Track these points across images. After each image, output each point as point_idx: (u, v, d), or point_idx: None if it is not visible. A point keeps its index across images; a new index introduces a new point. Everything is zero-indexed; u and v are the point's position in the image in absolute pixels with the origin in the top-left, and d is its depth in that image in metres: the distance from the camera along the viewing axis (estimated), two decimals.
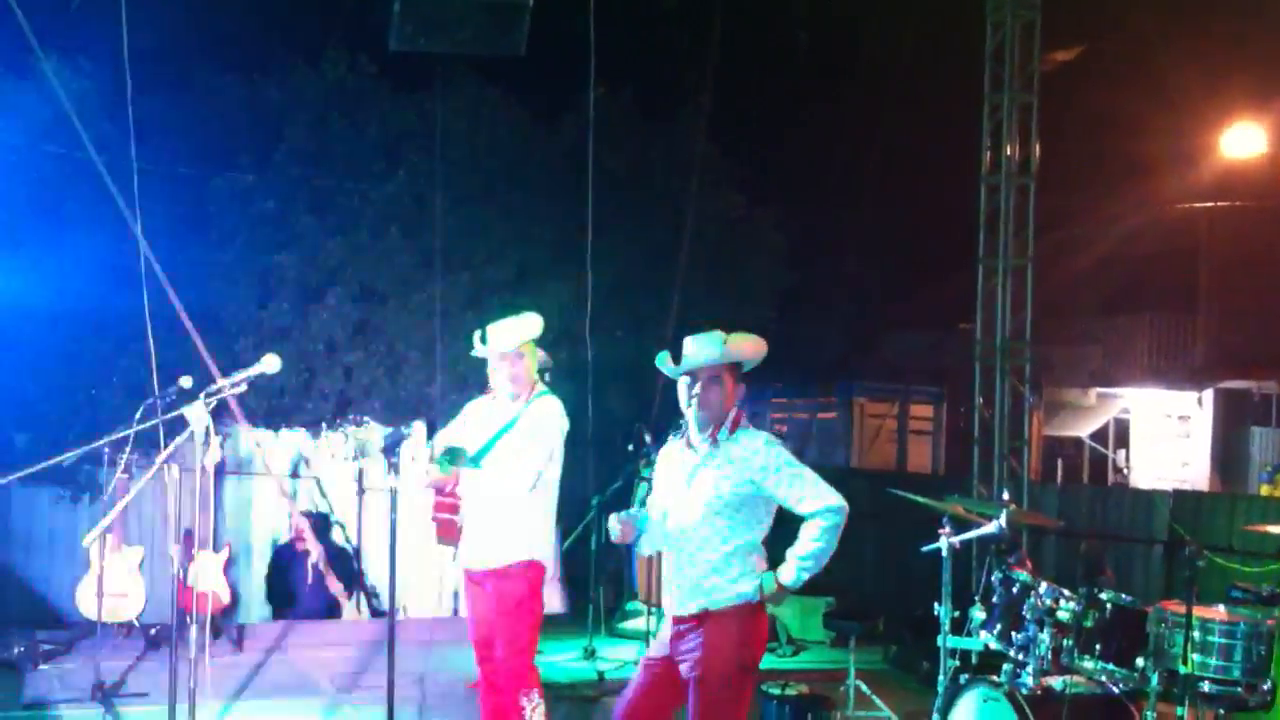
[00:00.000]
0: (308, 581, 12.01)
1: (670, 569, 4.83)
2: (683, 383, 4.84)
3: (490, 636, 5.59)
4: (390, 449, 5.05)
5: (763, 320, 14.42)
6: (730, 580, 4.69)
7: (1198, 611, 5.19)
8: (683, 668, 4.70)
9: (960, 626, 6.82)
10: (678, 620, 4.75)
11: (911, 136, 16.29)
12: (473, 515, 5.58)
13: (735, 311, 12.89)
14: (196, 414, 4.87)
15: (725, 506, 4.70)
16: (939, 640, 6.73)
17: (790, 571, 4.65)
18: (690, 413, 4.81)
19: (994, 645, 6.02)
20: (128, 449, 7.72)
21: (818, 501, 4.66)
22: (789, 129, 16.51)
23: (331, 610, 11.93)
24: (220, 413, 9.61)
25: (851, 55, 15.93)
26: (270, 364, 5.00)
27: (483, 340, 5.68)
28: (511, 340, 5.63)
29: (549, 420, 5.60)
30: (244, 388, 5.01)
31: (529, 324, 5.68)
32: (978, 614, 6.11)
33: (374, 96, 13.13)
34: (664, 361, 4.87)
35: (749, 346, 4.88)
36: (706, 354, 4.76)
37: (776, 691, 7.62)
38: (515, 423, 5.57)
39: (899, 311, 19.85)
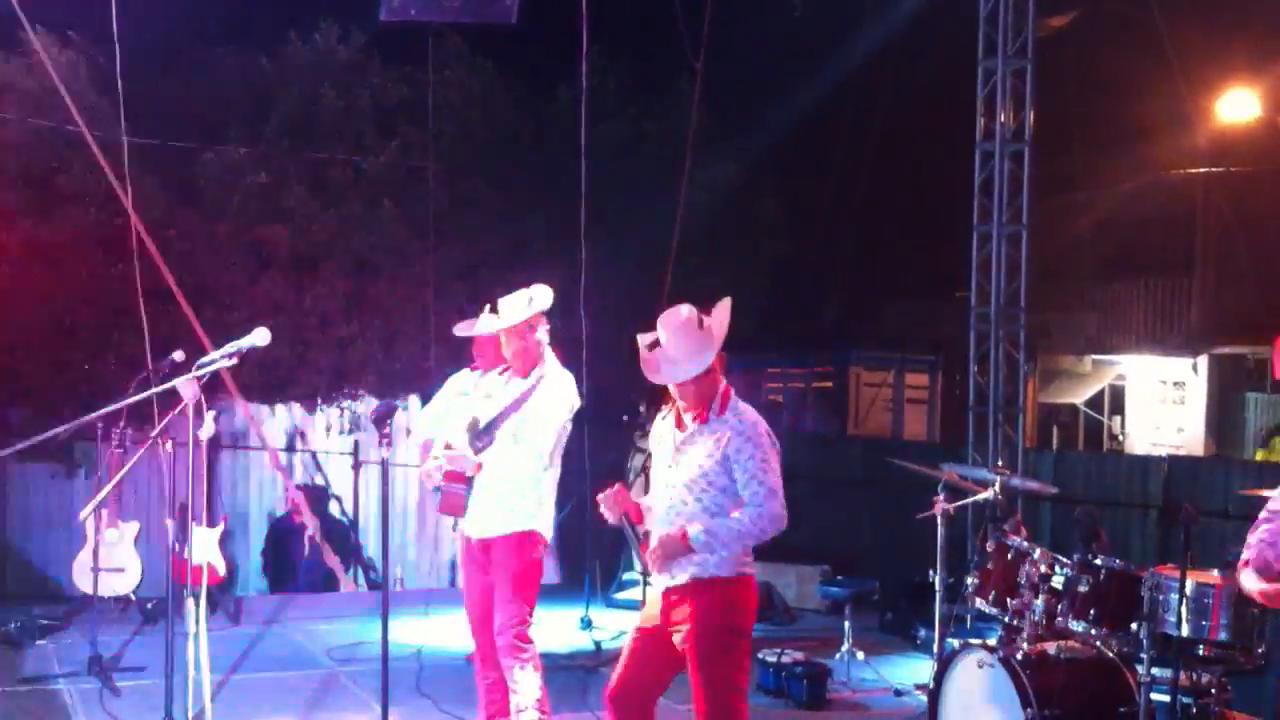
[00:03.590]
0: (304, 555, 12.05)
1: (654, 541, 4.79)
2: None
3: (487, 609, 5.56)
4: (381, 420, 5.00)
5: (759, 291, 14.43)
6: (719, 551, 4.65)
7: (1192, 575, 5.19)
8: (676, 638, 4.68)
9: (955, 593, 6.85)
10: (670, 591, 4.72)
11: (910, 102, 16.23)
12: (479, 487, 5.53)
13: (731, 282, 12.87)
14: (188, 388, 4.85)
15: (712, 484, 4.65)
16: (934, 606, 6.77)
17: (698, 533, 4.57)
18: (679, 400, 4.77)
19: (989, 611, 6.04)
20: (122, 423, 7.74)
21: (759, 502, 4.59)
22: (785, 98, 16.44)
23: (328, 583, 11.96)
24: (215, 387, 9.61)
25: (847, 22, 15.82)
26: (260, 337, 4.96)
27: (495, 312, 5.60)
28: (523, 313, 5.52)
29: (562, 397, 5.53)
30: (235, 361, 4.98)
31: (540, 296, 5.56)
32: (972, 580, 6.12)
33: (365, 69, 13.08)
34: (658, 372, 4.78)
35: (722, 330, 4.73)
36: (694, 368, 4.64)
37: (773, 659, 7.67)
38: (528, 398, 5.50)
39: (895, 280, 19.82)
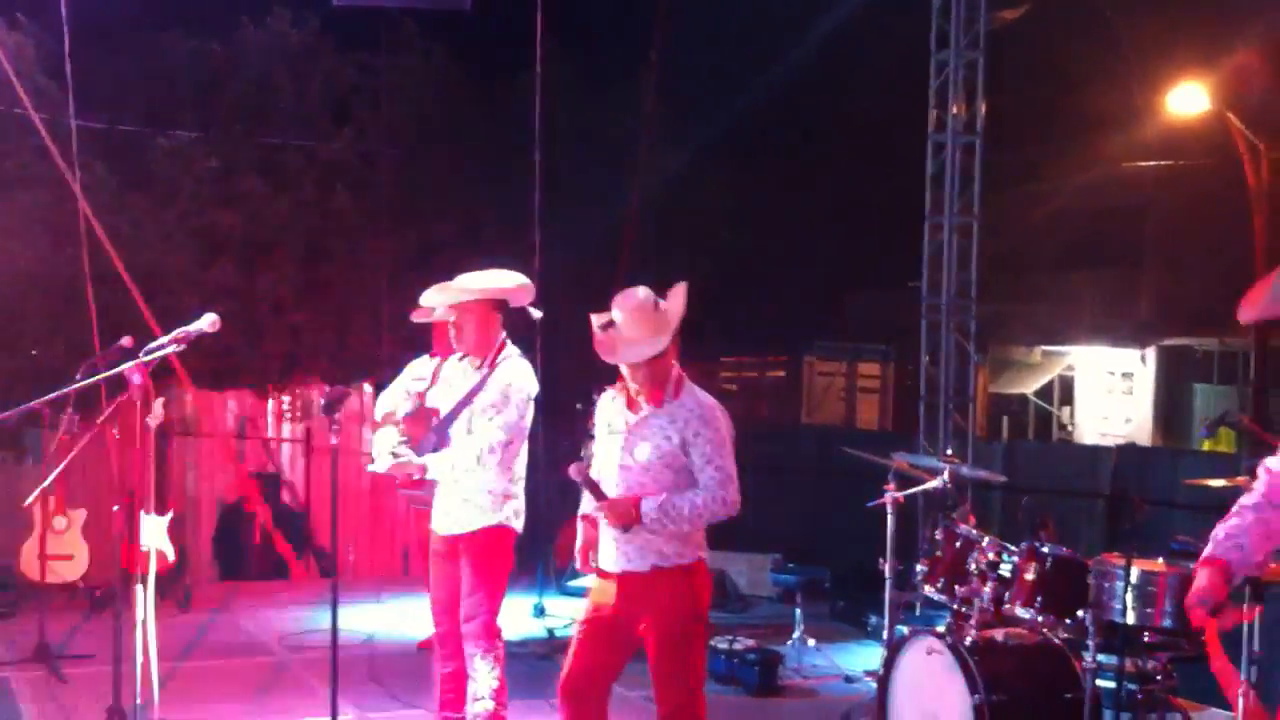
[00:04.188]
0: (255, 542, 11.97)
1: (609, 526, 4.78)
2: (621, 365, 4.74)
3: (451, 601, 5.51)
4: (331, 406, 4.95)
5: (713, 280, 14.45)
6: (679, 538, 4.67)
7: (1137, 564, 5.26)
8: (638, 625, 4.69)
9: (905, 580, 6.91)
10: (628, 577, 4.71)
11: (866, 92, 16.30)
12: (444, 482, 5.46)
13: (686, 270, 12.87)
14: (136, 374, 4.80)
15: (666, 466, 4.65)
16: (884, 594, 6.82)
17: (651, 505, 4.58)
18: (632, 384, 4.76)
19: (937, 598, 6.09)
20: (69, 410, 7.66)
21: (714, 486, 4.61)
22: (741, 87, 16.47)
23: (280, 571, 11.90)
24: (165, 373, 9.53)
25: (804, 11, 15.87)
26: (208, 322, 4.91)
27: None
28: (466, 291, 5.42)
29: (516, 386, 5.40)
30: (183, 347, 4.93)
31: (493, 278, 5.47)
32: (921, 567, 6.17)
33: (318, 54, 12.99)
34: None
35: (678, 313, 4.71)
36: (650, 349, 4.63)
37: (725, 646, 7.70)
38: (483, 388, 5.40)
39: (850, 270, 19.92)
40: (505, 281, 5.52)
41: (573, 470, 4.71)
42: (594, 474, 4.84)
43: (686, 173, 14.55)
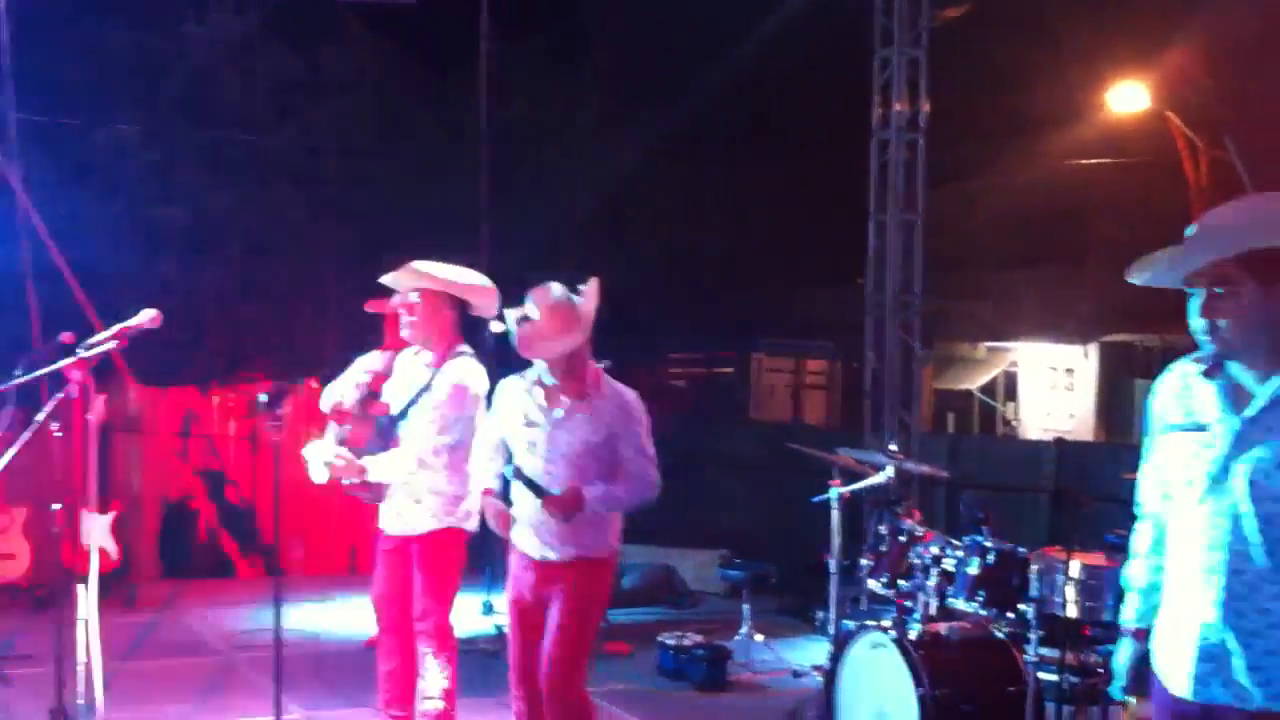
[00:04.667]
0: (201, 540, 11.86)
1: (534, 514, 4.82)
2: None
3: (395, 599, 5.48)
4: (272, 403, 4.90)
5: (661, 276, 14.50)
6: (597, 529, 4.82)
7: (1079, 558, 5.33)
8: (551, 610, 4.83)
9: (851, 575, 6.96)
10: (546, 565, 4.84)
11: (812, 90, 16.35)
12: (392, 481, 5.41)
13: (635, 266, 12.92)
14: (76, 369, 4.75)
15: (593, 458, 4.79)
16: (830, 589, 6.87)
17: (595, 494, 4.74)
18: (551, 377, 4.85)
19: (882, 593, 6.15)
20: (8, 407, 7.56)
21: (642, 472, 4.83)
22: (689, 83, 16.49)
23: (226, 569, 11.79)
24: (107, 370, 9.42)
25: (749, 7, 15.91)
26: (148, 318, 4.86)
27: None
28: (429, 277, 5.35)
29: (466, 386, 5.34)
30: (124, 343, 4.88)
31: (459, 272, 5.41)
32: (866, 562, 6.23)
33: (262, 48, 12.89)
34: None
35: (591, 309, 4.80)
36: (566, 345, 4.74)
37: (673, 642, 7.74)
38: (430, 387, 5.37)
39: (797, 267, 20.00)
40: (470, 280, 5.47)
41: (508, 471, 4.82)
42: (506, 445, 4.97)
43: (635, 170, 14.57)
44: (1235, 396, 3.12)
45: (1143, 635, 3.46)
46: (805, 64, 16.29)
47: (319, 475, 5.34)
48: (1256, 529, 3.01)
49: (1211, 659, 3.08)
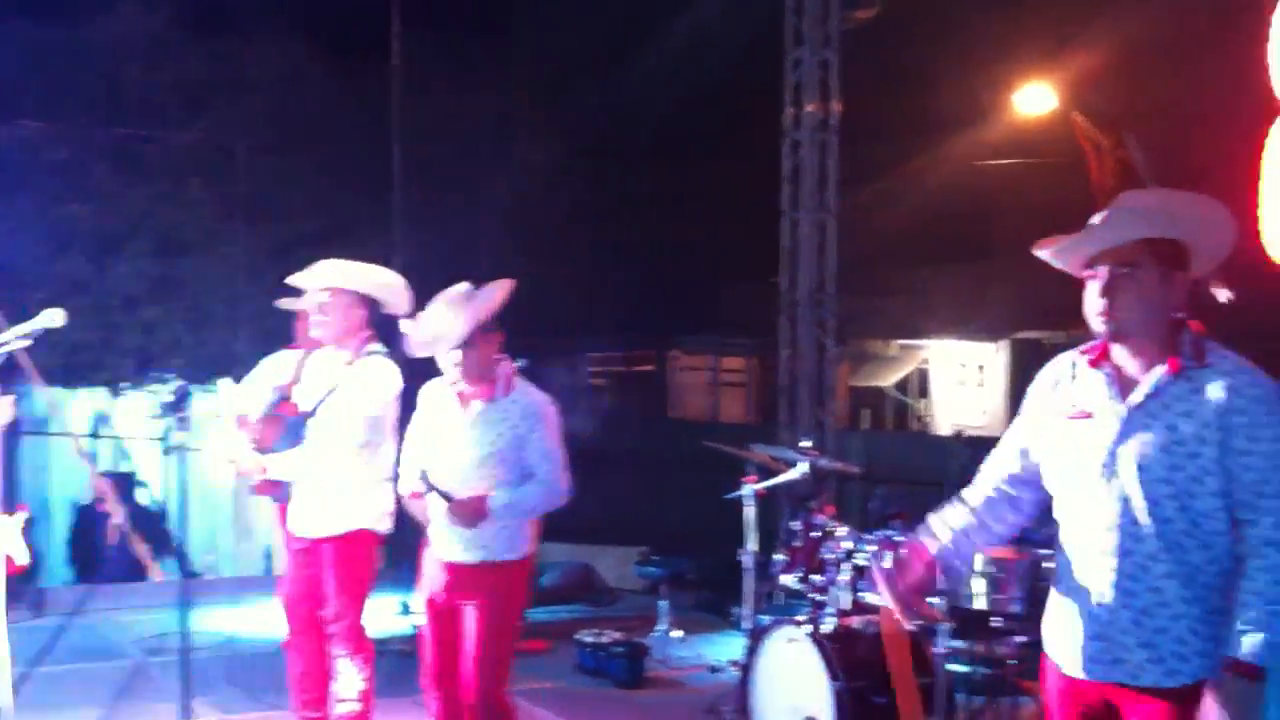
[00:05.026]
0: (111, 543, 11.69)
1: (445, 517, 4.83)
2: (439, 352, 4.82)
3: (305, 601, 5.44)
4: (176, 405, 4.85)
5: (579, 275, 14.51)
6: (510, 532, 4.82)
7: (987, 551, 5.44)
8: (462, 613, 4.84)
9: (766, 571, 7.04)
10: (456, 567, 4.85)
11: (729, 88, 16.42)
12: (300, 481, 5.38)
13: (553, 265, 12.91)
14: None
15: (500, 461, 4.78)
16: (745, 585, 6.94)
17: (500, 501, 4.73)
18: (462, 380, 4.83)
19: (797, 588, 6.23)
20: None
21: (551, 478, 4.80)
22: (608, 81, 16.51)
23: (137, 572, 11.64)
24: (13, 370, 9.25)
25: (665, 6, 15.95)
26: (52, 318, 4.79)
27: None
28: (318, 280, 5.31)
29: (376, 385, 5.31)
30: (28, 342, 4.81)
31: (368, 271, 5.36)
32: (781, 558, 6.31)
33: (173, 43, 12.70)
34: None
35: (488, 305, 4.78)
36: (450, 338, 4.72)
37: (591, 639, 7.78)
38: (341, 386, 5.32)
39: (715, 265, 20.10)
40: (380, 279, 5.43)
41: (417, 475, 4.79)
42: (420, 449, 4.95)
43: (552, 168, 14.57)
44: (1121, 385, 3.23)
45: (922, 554, 3.49)
46: (722, 63, 16.37)
47: (222, 473, 5.31)
48: (1145, 511, 3.13)
49: (1104, 638, 3.19)
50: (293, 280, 5.44)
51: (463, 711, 4.85)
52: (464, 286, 4.81)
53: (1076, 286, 3.41)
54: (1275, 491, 3.05)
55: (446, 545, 4.89)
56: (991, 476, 3.56)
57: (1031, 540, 5.56)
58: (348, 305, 5.35)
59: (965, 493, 3.61)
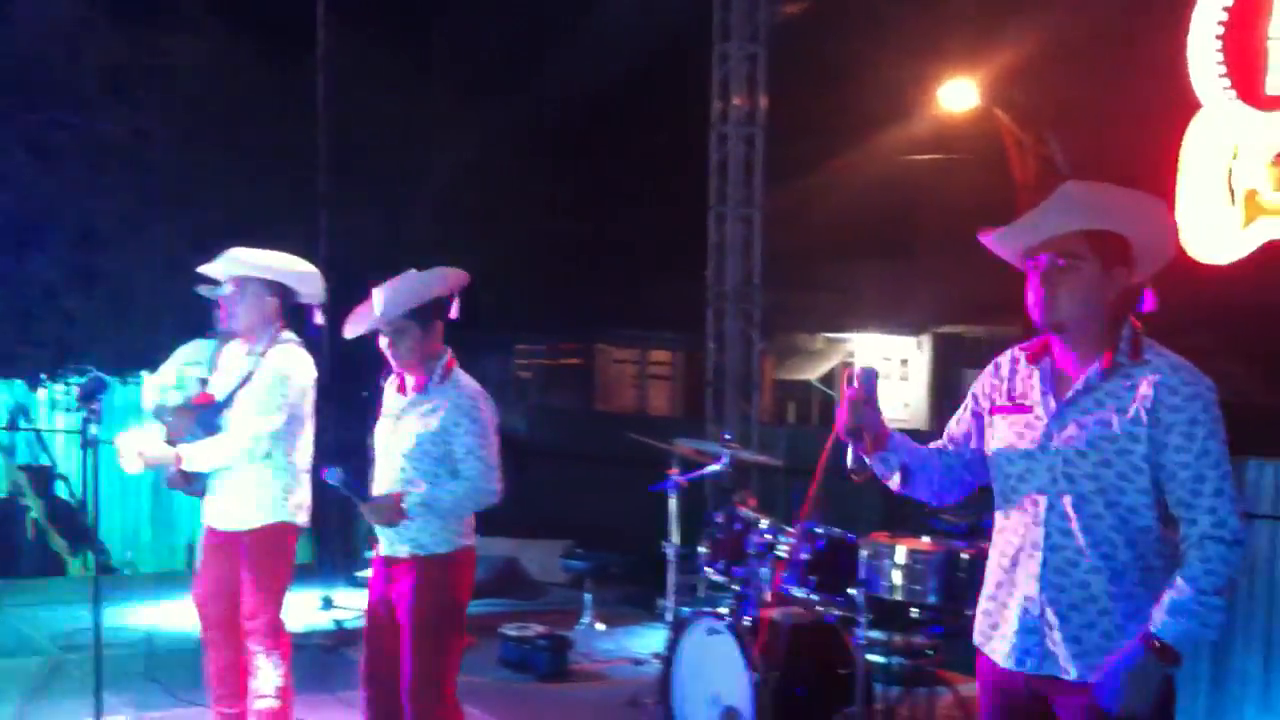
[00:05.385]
0: (29, 538, 11.52)
1: None
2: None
3: (227, 599, 5.36)
4: (88, 397, 4.78)
5: (507, 268, 14.45)
6: (440, 525, 4.69)
7: (904, 543, 5.51)
8: (398, 611, 4.72)
9: (690, 563, 7.08)
10: (389, 562, 4.76)
11: (658, 82, 16.43)
12: (218, 474, 5.29)
13: (479, 257, 12.82)
14: None
15: (424, 454, 4.68)
16: (668, 577, 6.98)
17: (415, 501, 4.59)
18: (401, 366, 4.79)
19: (719, 580, 6.27)
20: None
21: (475, 476, 4.65)
22: (536, 73, 16.46)
23: (56, 567, 11.48)
24: None
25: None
26: None
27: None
28: (244, 265, 5.24)
29: (288, 375, 5.26)
30: None
31: (278, 259, 5.31)
32: (703, 550, 6.34)
33: (91, 27, 12.47)
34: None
35: (427, 288, 4.72)
36: (384, 316, 4.65)
37: (515, 633, 7.78)
38: (252, 376, 5.27)
39: (643, 259, 20.11)
40: (290, 266, 5.39)
41: (325, 475, 4.65)
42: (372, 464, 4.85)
43: (479, 160, 14.50)
44: (1056, 381, 3.28)
45: (864, 436, 3.41)
46: (649, 57, 16.39)
47: (132, 465, 5.22)
48: (1073, 506, 3.17)
49: (1032, 632, 3.23)
50: (204, 270, 5.37)
51: (396, 712, 4.74)
52: (411, 272, 4.74)
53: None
54: (1213, 489, 3.08)
55: (381, 539, 4.80)
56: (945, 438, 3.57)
57: (948, 532, 5.65)
58: (257, 294, 5.29)
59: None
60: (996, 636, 3.33)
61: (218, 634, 5.43)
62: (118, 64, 12.52)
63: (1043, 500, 3.21)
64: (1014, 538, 3.29)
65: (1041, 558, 3.21)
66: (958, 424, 3.55)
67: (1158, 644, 3.04)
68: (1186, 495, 3.10)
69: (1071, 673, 3.18)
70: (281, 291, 5.36)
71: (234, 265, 5.29)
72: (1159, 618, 3.06)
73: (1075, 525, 3.17)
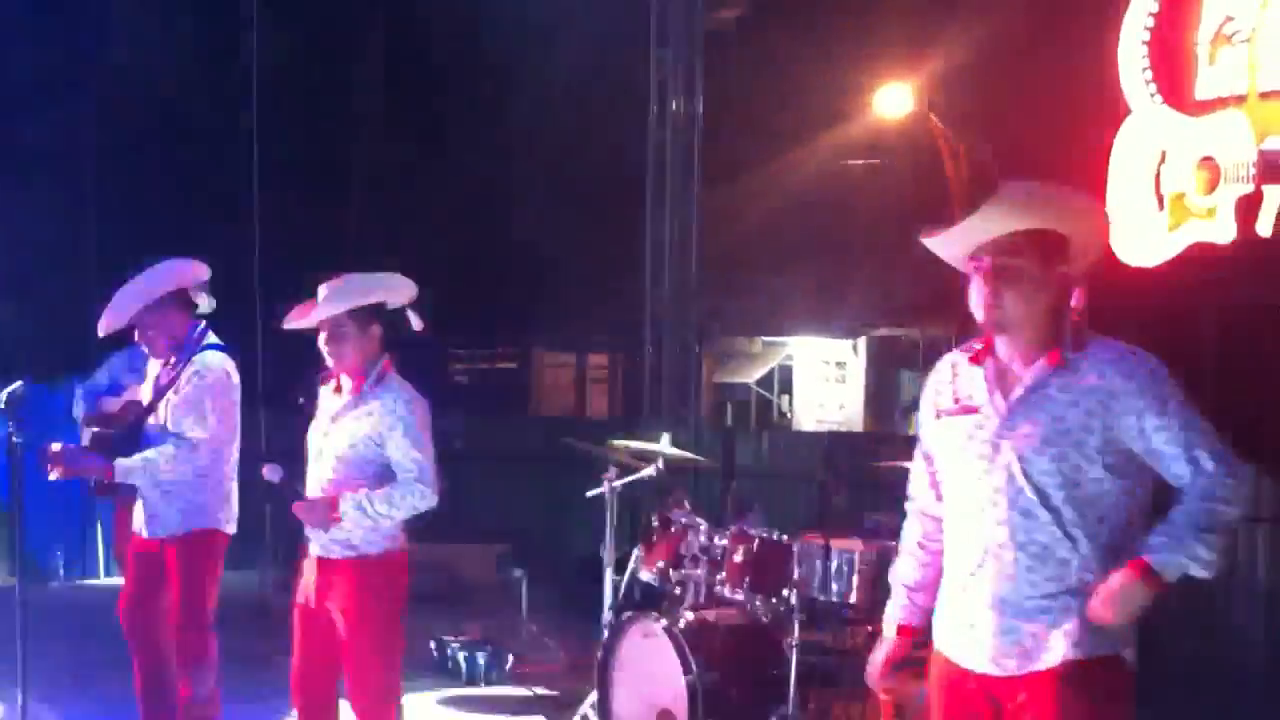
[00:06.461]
0: None
1: None
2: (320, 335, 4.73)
3: (152, 607, 5.32)
4: (11, 404, 4.71)
5: (443, 272, 14.38)
6: (370, 526, 4.65)
7: (836, 543, 5.55)
8: (334, 616, 4.68)
9: (625, 566, 7.07)
10: (323, 565, 4.71)
11: (596, 88, 16.42)
12: (147, 484, 5.24)
13: (414, 262, 12.75)
14: None
15: (357, 458, 4.66)
16: (605, 580, 6.97)
17: (350, 504, 4.56)
18: (338, 366, 4.76)
19: (654, 582, 6.28)
20: None
21: (412, 479, 4.61)
22: (468, 78, 16.41)
23: None
24: None
25: (529, 6, 15.92)
26: None
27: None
28: (136, 286, 5.24)
29: (210, 381, 5.23)
30: None
31: (149, 282, 5.25)
32: (638, 553, 6.35)
33: (21, 32, 12.27)
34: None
35: (372, 291, 4.73)
36: (326, 309, 4.64)
37: (450, 637, 7.74)
38: (173, 385, 5.23)
39: (579, 262, 20.09)
40: (177, 276, 5.34)
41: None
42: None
43: (412, 165, 14.44)
44: (1002, 380, 3.30)
45: (907, 633, 3.57)
46: (586, 61, 16.39)
47: (54, 473, 5.16)
48: (1035, 502, 3.19)
49: (1010, 632, 3.23)
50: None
51: (330, 710, 4.73)
52: (355, 274, 4.73)
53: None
54: (1207, 445, 3.12)
55: (314, 540, 4.75)
56: (919, 502, 3.60)
57: (880, 532, 5.70)
58: (160, 316, 5.27)
59: (906, 531, 3.64)
60: (954, 634, 3.35)
61: (147, 643, 5.36)
62: (45, 70, 12.34)
63: (1002, 500, 3.22)
64: (975, 540, 3.30)
65: (1011, 556, 3.22)
66: (918, 480, 3.58)
67: (1144, 566, 3.07)
68: (1184, 463, 3.13)
69: (1029, 667, 3.19)
70: (183, 301, 5.33)
71: (129, 303, 5.24)
72: (1152, 542, 3.10)
73: (1039, 520, 3.18)
